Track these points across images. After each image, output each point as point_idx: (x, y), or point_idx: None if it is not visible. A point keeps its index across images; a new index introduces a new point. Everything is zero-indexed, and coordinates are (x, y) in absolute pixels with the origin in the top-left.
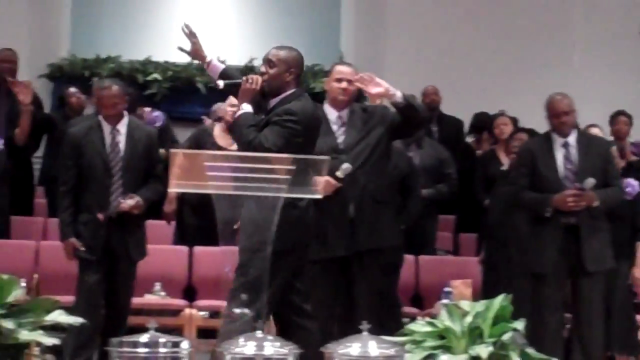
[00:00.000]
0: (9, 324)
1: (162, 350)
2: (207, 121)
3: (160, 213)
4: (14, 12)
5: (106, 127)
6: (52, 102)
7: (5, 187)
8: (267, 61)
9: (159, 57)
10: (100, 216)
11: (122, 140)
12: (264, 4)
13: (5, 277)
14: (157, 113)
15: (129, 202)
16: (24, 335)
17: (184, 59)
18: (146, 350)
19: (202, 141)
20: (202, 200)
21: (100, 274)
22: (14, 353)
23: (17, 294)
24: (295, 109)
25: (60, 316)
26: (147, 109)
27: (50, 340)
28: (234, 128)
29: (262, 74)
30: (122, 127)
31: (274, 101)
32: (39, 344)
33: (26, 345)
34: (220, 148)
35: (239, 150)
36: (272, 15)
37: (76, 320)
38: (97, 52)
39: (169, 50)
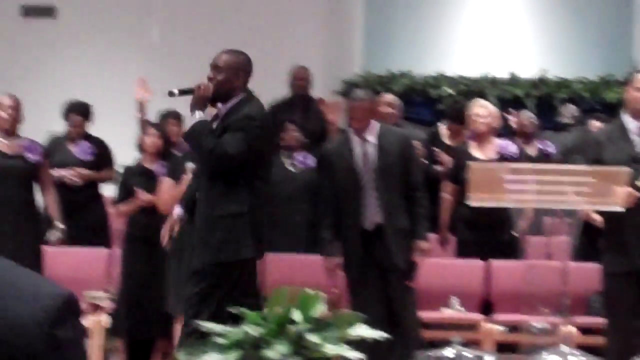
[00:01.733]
0: (314, 338)
1: None
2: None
3: (436, 227)
4: (309, 30)
5: (355, 139)
6: None
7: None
8: (215, 67)
9: (451, 71)
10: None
11: (372, 150)
12: (554, 16)
13: (310, 292)
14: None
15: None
16: (329, 349)
17: (476, 72)
18: None
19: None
20: (476, 214)
21: (369, 288)
22: None
23: (320, 309)
24: (254, 113)
25: (363, 330)
26: None
27: (354, 354)
28: (189, 136)
29: (209, 79)
30: (372, 136)
31: (225, 107)
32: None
33: (331, 359)
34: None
35: (197, 158)
36: (563, 27)
37: (380, 334)
38: (389, 67)
39: (460, 64)
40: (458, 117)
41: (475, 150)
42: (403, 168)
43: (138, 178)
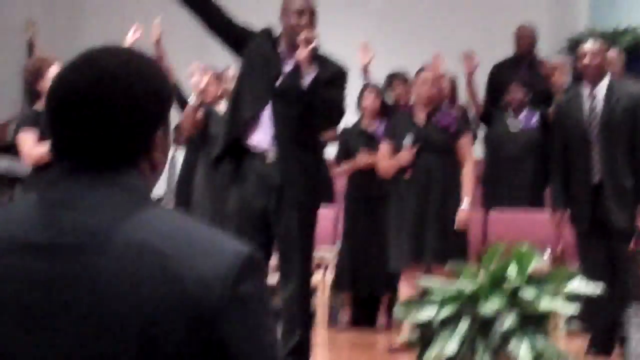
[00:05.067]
0: (529, 293)
1: None
2: None
3: None
4: None
5: (585, 92)
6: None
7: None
8: (313, 13)
9: None
10: None
11: (599, 104)
12: None
13: (525, 247)
14: None
15: None
16: (544, 304)
17: None
18: None
19: None
20: None
21: (595, 247)
22: (536, 322)
23: (536, 264)
24: None
25: (579, 285)
26: None
27: (569, 309)
28: (313, 89)
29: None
30: (601, 89)
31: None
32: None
33: (548, 314)
34: None
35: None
36: None
37: (595, 289)
38: (616, 23)
39: None
40: None
41: None
42: (631, 125)
43: (357, 138)
